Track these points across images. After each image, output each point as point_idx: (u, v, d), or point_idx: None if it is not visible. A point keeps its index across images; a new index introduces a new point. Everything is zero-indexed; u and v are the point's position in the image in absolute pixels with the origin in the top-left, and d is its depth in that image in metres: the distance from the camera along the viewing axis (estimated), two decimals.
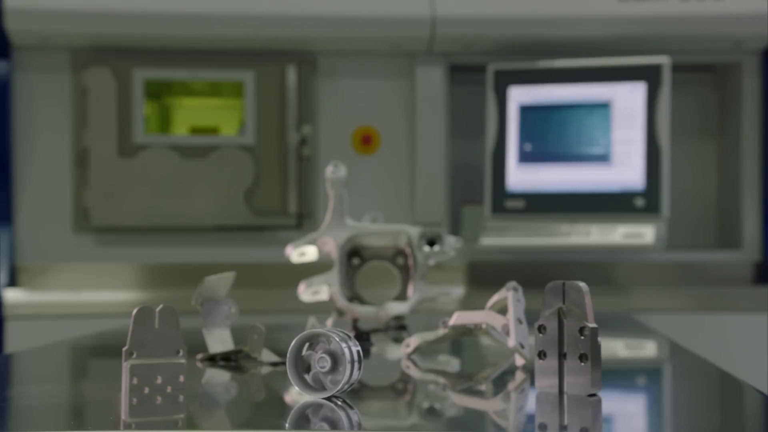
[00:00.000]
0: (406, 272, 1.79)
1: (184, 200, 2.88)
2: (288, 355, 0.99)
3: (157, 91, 2.97)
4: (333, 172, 1.71)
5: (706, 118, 3.13)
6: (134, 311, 1.00)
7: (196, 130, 2.98)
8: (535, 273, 2.86)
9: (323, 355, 0.98)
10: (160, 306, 1.01)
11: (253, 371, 1.27)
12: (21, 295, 2.83)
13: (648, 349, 1.77)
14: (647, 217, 2.75)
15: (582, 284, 0.99)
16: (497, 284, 2.97)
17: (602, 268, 2.92)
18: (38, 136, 2.92)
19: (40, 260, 2.90)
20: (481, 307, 1.33)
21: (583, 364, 0.98)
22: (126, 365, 0.99)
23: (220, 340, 1.32)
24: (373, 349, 1.52)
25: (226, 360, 1.32)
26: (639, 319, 2.24)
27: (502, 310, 1.30)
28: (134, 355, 1.00)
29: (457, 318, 1.29)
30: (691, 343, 1.66)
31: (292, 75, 2.90)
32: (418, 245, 1.74)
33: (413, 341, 1.35)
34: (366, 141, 2.99)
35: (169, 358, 1.01)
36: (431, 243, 1.74)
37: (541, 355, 1.01)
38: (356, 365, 0.98)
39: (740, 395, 1.15)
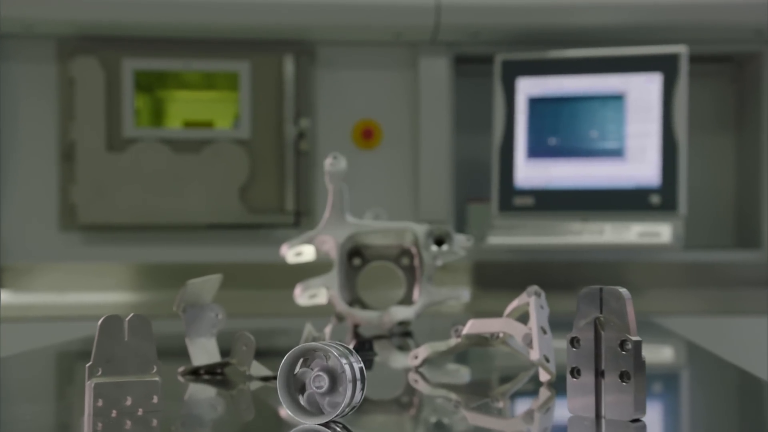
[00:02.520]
0: (411, 274, 1.67)
1: (175, 197, 2.79)
2: (279, 373, 0.85)
3: (149, 84, 2.89)
4: (332, 164, 1.59)
5: (723, 112, 3.02)
6: (100, 321, 0.86)
7: (189, 124, 2.90)
8: (544, 274, 2.79)
9: (320, 373, 0.84)
10: (131, 315, 0.87)
11: (241, 387, 1.14)
12: (4, 296, 2.73)
13: (673, 354, 1.65)
14: (663, 215, 2.65)
15: (623, 290, 0.85)
16: (504, 286, 2.85)
17: (615, 269, 2.81)
18: (22, 129, 2.82)
19: (24, 260, 2.80)
20: (489, 311, 1.21)
21: (624, 383, 0.84)
22: (89, 384, 0.85)
23: (204, 351, 1.18)
24: (376, 359, 1.38)
25: (212, 373, 1.18)
26: (656, 321, 2.12)
27: (521, 318, 1.16)
28: (99, 373, 0.86)
29: (472, 326, 1.15)
30: (709, 348, 1.57)
31: (289, 65, 2.81)
32: (425, 244, 1.62)
33: (422, 352, 1.21)
34: (367, 135, 2.91)
35: (141, 376, 0.87)
36: (439, 242, 1.62)
37: (575, 372, 0.87)
38: (358, 385, 0.84)
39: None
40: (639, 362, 0.84)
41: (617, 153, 2.71)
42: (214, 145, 2.80)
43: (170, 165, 2.79)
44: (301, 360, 0.86)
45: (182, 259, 2.82)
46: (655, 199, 2.66)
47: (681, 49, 2.66)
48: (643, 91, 2.70)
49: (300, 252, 1.64)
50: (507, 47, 2.82)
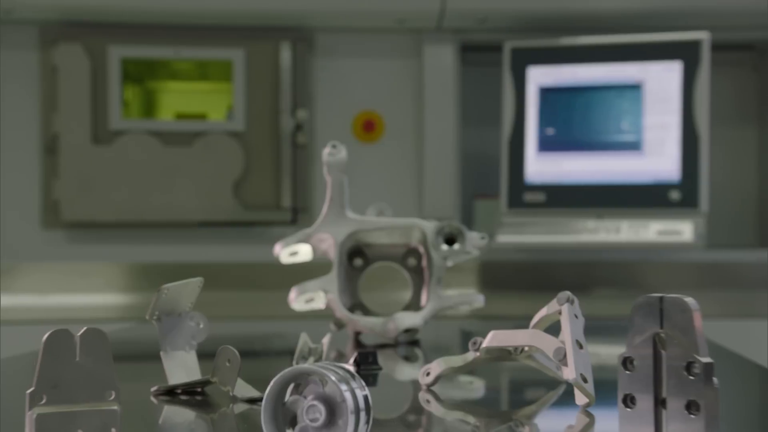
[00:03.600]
0: (419, 276, 1.53)
1: (165, 192, 2.73)
2: (264, 403, 0.69)
3: (140, 75, 2.81)
4: (331, 153, 1.45)
5: (744, 103, 2.93)
6: (44, 338, 0.71)
7: (181, 116, 2.82)
8: (556, 275, 2.72)
9: (314, 402, 0.68)
10: (83, 329, 0.72)
11: (224, 409, 0.98)
12: None
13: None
14: (684, 212, 2.56)
15: (689, 300, 0.70)
16: (514, 287, 2.71)
17: (633, 270, 2.72)
18: (2, 121, 2.74)
19: (4, 259, 2.71)
20: (497, 314, 1.07)
21: (692, 415, 0.68)
22: (30, 415, 0.70)
23: (182, 367, 1.02)
24: (381, 372, 1.24)
25: (190, 393, 1.03)
26: None
27: (550, 329, 1.00)
28: (44, 401, 0.70)
29: (493, 338, 0.99)
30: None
31: (286, 53, 2.75)
32: (435, 243, 1.48)
33: (434, 368, 1.05)
34: (368, 127, 2.84)
35: (95, 404, 0.71)
36: (450, 240, 1.48)
37: (629, 400, 0.72)
38: (362, 416, 0.68)
39: None
40: (710, 389, 0.69)
41: (634, 146, 2.63)
42: (206, 137, 2.73)
43: (160, 159, 2.72)
44: (291, 386, 0.70)
45: (173, 258, 2.76)
46: (675, 195, 2.57)
47: (702, 36, 2.57)
48: (662, 81, 2.61)
49: (295, 251, 1.51)
50: (516, 34, 2.76)
